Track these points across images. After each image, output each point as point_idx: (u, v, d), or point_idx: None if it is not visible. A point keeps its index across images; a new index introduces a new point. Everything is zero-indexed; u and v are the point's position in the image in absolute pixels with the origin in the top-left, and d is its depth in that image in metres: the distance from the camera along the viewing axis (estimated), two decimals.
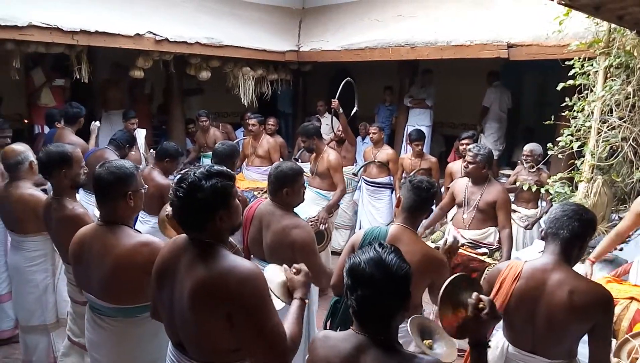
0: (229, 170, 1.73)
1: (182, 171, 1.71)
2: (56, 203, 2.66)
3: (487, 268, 3.17)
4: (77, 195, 2.95)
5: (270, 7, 8.05)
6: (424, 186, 2.51)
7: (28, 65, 6.29)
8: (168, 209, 2.83)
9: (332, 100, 5.62)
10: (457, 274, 1.90)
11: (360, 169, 5.99)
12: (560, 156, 3.74)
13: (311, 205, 4.30)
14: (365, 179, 5.93)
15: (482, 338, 1.71)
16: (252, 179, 5.78)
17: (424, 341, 2.10)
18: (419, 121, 7.16)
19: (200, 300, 1.59)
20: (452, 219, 4.03)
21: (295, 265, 1.95)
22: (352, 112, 6.05)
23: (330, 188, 4.84)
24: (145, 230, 3.90)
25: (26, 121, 6.95)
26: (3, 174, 3.60)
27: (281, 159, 5.96)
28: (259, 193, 4.98)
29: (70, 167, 2.70)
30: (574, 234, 2.01)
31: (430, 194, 2.52)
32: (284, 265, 1.99)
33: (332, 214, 4.46)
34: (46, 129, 5.91)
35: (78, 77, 5.80)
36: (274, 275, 1.96)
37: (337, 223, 5.79)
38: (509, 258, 3.52)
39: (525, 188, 4.27)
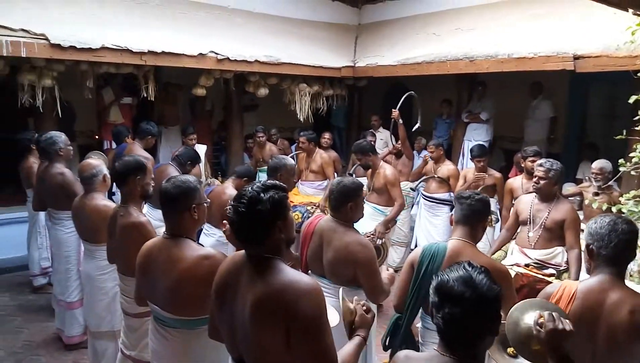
0: (281, 183, 1.78)
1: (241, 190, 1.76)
2: (123, 210, 2.79)
3: None
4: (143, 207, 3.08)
5: (327, 25, 8.17)
6: (465, 194, 2.52)
7: (100, 84, 6.68)
8: None
9: (393, 110, 5.58)
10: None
11: (419, 183, 5.89)
12: (633, 172, 3.53)
13: (368, 220, 4.27)
14: (423, 194, 5.82)
15: (562, 350, 1.66)
16: (306, 194, 5.83)
17: (508, 349, 2.00)
18: (475, 135, 6.99)
19: (260, 315, 1.61)
20: (515, 238, 3.88)
21: (365, 303, 1.95)
22: (414, 128, 6.00)
23: (388, 203, 4.80)
24: (210, 242, 4.03)
25: (97, 137, 7.39)
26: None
27: (335, 174, 6.01)
28: (313, 207, 5.01)
29: (144, 175, 2.85)
30: (630, 250, 1.96)
31: (474, 199, 2.49)
32: (355, 297, 1.99)
33: (389, 230, 4.42)
34: (113, 145, 6.24)
35: (145, 95, 6.09)
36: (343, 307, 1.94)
37: (392, 240, 5.71)
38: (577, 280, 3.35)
39: (594, 206, 4.05)
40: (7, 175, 6.08)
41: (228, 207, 1.74)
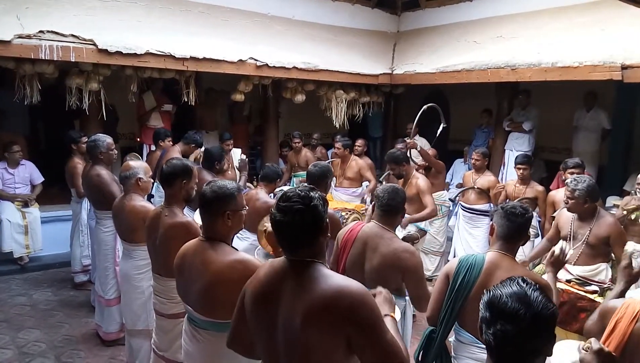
0: (321, 193, 1.73)
1: (281, 192, 1.72)
2: (168, 210, 2.82)
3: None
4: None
5: (365, 32, 8.17)
6: (518, 211, 2.39)
7: (143, 89, 6.88)
8: (267, 224, 2.91)
9: (407, 141, 5.54)
10: None
11: (457, 194, 5.79)
12: None
13: (399, 228, 4.23)
14: (462, 205, 5.72)
15: None
16: (340, 200, 5.83)
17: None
18: (517, 145, 6.80)
19: (316, 323, 1.56)
20: None
21: (371, 291, 1.87)
22: (439, 131, 5.93)
23: (419, 213, 4.76)
24: (244, 246, 4.04)
25: (138, 140, 7.59)
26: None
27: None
28: (347, 213, 4.98)
29: (190, 179, 2.90)
30: None
31: (525, 219, 2.39)
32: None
33: (419, 241, 4.37)
34: (153, 148, 6.39)
35: (186, 100, 6.22)
36: None
37: (426, 248, 5.66)
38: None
39: (632, 217, 3.88)
40: (53, 174, 6.34)
41: (273, 209, 1.68)
